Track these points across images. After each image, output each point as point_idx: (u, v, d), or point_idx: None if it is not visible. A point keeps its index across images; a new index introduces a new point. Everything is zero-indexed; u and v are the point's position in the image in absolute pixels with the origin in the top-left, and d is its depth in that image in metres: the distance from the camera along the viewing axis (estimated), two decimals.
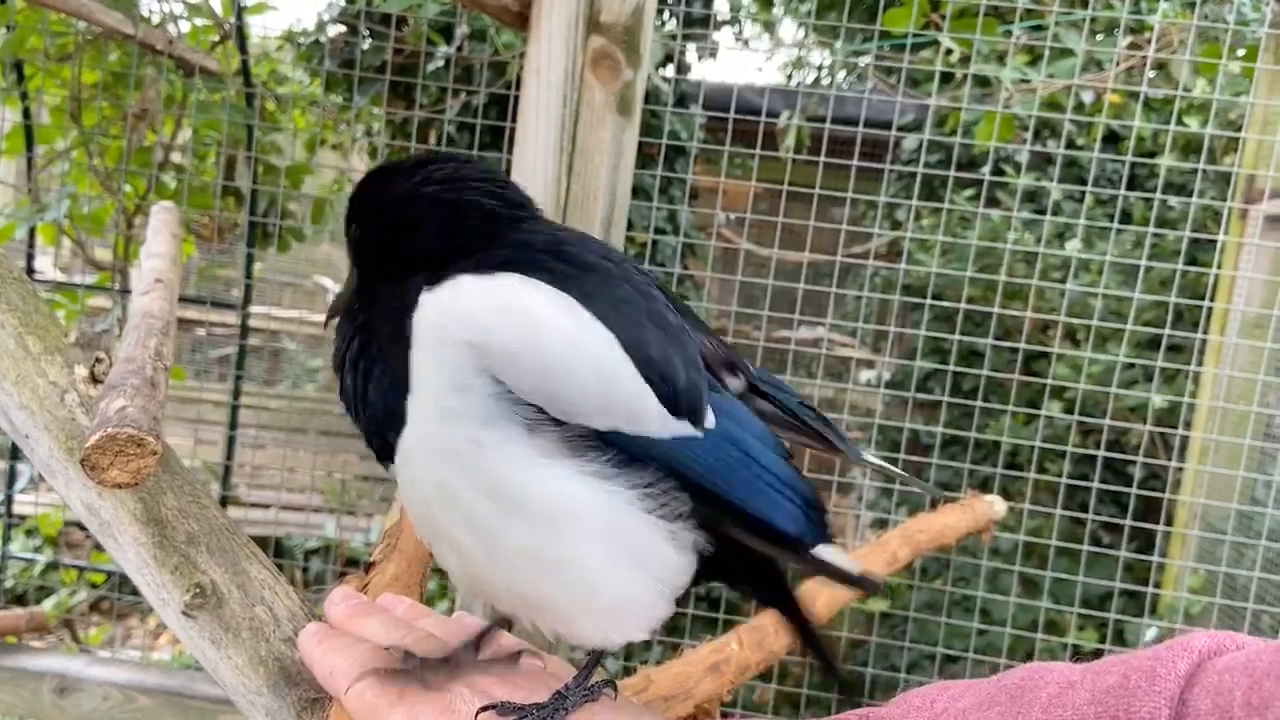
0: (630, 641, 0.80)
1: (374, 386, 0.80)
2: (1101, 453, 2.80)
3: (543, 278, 0.76)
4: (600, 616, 0.77)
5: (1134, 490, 2.78)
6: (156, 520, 0.92)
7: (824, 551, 0.80)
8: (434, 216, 0.82)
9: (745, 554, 0.80)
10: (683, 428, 0.76)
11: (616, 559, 0.74)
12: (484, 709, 0.76)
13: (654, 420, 0.75)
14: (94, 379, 0.98)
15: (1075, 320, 3.06)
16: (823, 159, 2.78)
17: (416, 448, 0.77)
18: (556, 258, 0.78)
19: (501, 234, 0.82)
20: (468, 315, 0.74)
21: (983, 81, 3.37)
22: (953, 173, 2.89)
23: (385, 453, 0.81)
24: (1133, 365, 3.43)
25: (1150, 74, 3.02)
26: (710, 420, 0.77)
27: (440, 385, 0.74)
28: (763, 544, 0.79)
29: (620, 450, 0.74)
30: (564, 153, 1.75)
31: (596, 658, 0.83)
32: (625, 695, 0.86)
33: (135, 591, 3.86)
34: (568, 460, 0.73)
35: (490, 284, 0.76)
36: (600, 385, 0.73)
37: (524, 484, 0.73)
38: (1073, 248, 4.03)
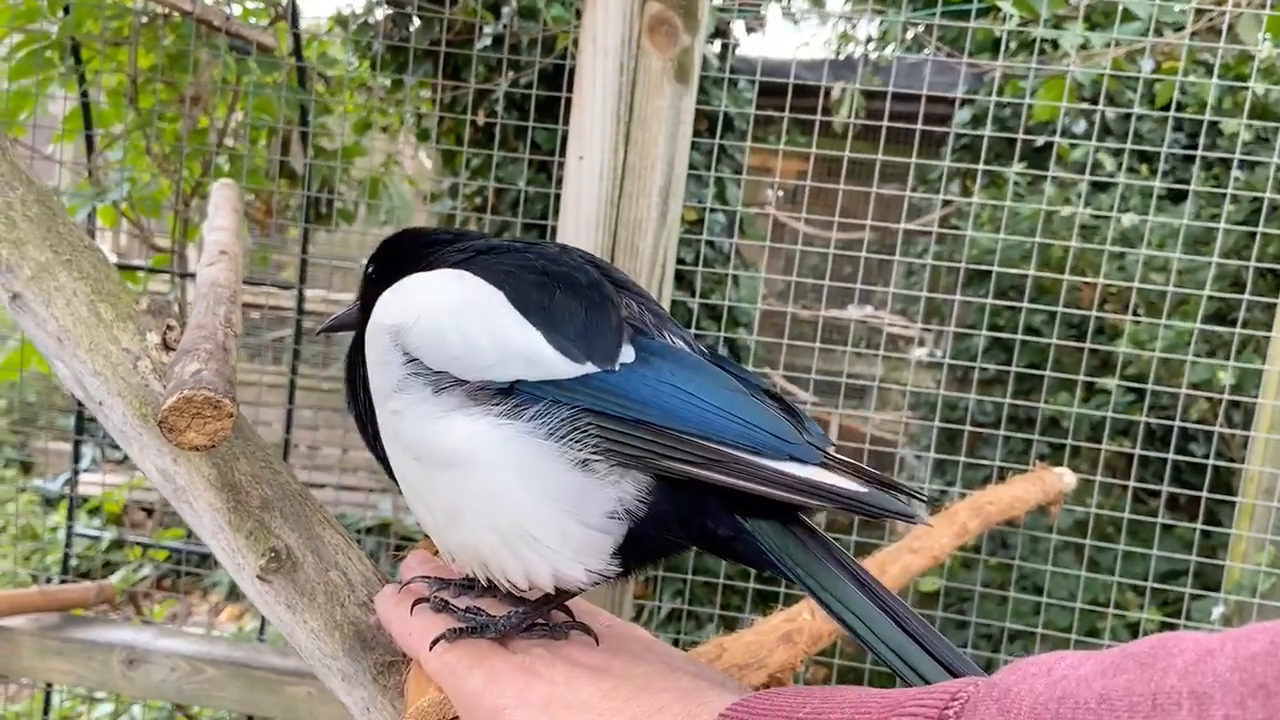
0: (567, 576, 0.80)
1: (362, 405, 0.93)
2: (1177, 422, 2.73)
3: (466, 268, 0.88)
4: (516, 543, 0.80)
5: (1210, 461, 2.71)
6: (231, 485, 0.92)
7: (793, 468, 0.77)
8: (414, 245, 1.00)
9: (692, 496, 0.80)
10: (588, 368, 0.81)
11: (518, 487, 0.79)
12: (418, 601, 0.84)
13: (554, 364, 0.81)
14: (166, 346, 0.98)
15: (1141, 285, 2.98)
16: (885, 123, 2.72)
17: (383, 440, 0.88)
18: (485, 254, 0.91)
19: (456, 251, 0.95)
20: (388, 306, 0.87)
21: (1038, 50, 3.29)
22: (1019, 137, 2.82)
23: (389, 466, 0.90)
24: (1191, 338, 3.34)
25: (1221, 44, 2.92)
26: (628, 358, 0.82)
27: (374, 370, 0.86)
28: (700, 469, 0.77)
29: (526, 395, 0.80)
30: (621, 122, 1.73)
31: (547, 596, 0.85)
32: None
33: (198, 567, 3.94)
34: (470, 409, 0.80)
35: (413, 279, 0.88)
36: (492, 342, 0.81)
37: (433, 437, 0.81)
38: (1129, 220, 3.94)
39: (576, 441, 0.78)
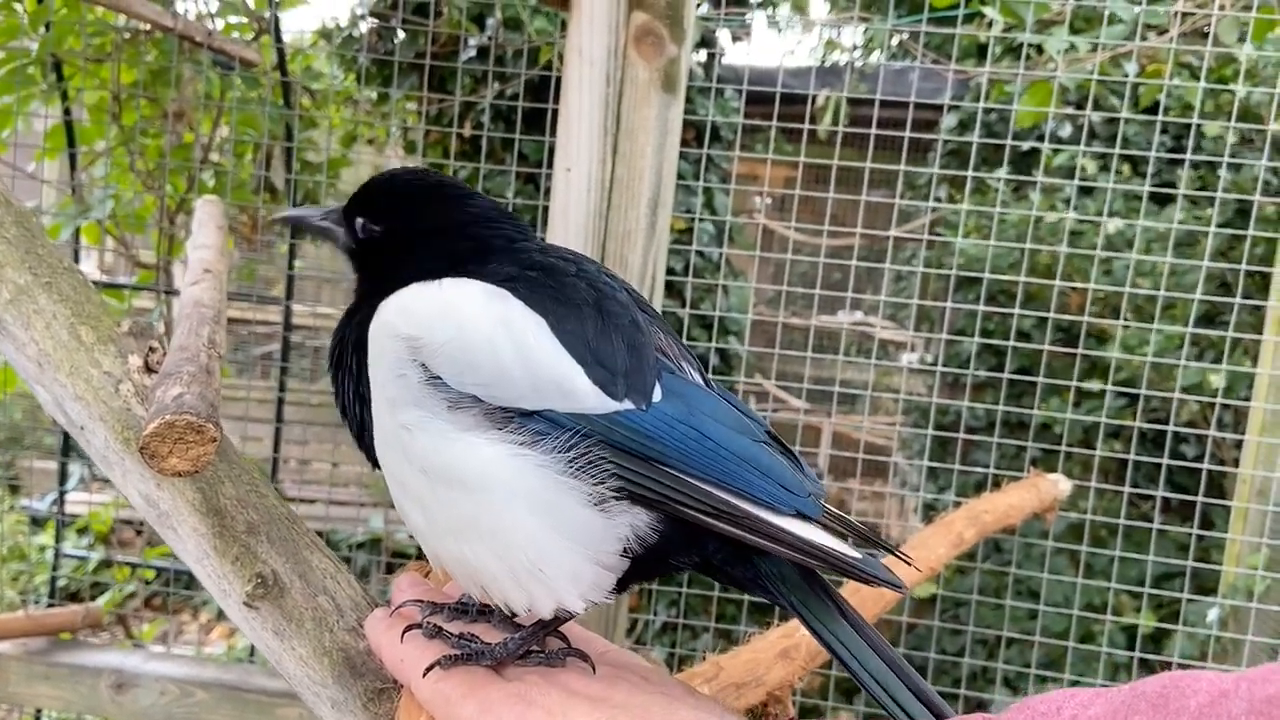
0: (568, 610, 0.80)
1: (349, 394, 0.89)
2: (1170, 426, 2.73)
3: (500, 284, 0.82)
4: (525, 578, 0.79)
5: (1204, 465, 2.70)
6: (215, 510, 0.90)
7: (798, 526, 0.79)
8: (452, 222, 0.91)
9: (699, 533, 0.81)
10: (621, 405, 0.80)
11: (533, 521, 0.77)
12: (410, 626, 0.82)
13: (588, 398, 0.79)
14: (148, 368, 0.96)
15: (1129, 289, 2.98)
16: (872, 130, 2.72)
17: (378, 443, 0.85)
18: (525, 267, 0.86)
19: (494, 252, 0.89)
20: (410, 314, 0.82)
21: (1024, 56, 3.30)
22: (1007, 142, 2.82)
23: (372, 455, 0.88)
24: (1181, 342, 3.35)
25: (1209, 47, 2.93)
26: (656, 397, 0.81)
27: (385, 378, 0.82)
28: (714, 520, 0.78)
29: (548, 423, 0.78)
30: (608, 133, 1.72)
31: (541, 623, 0.83)
32: (687, 680, 0.83)
33: (188, 587, 3.90)
34: (488, 432, 0.78)
35: (437, 287, 0.82)
36: (526, 372, 0.79)
37: (446, 457, 0.78)
38: (1114, 225, 3.94)
39: (594, 478, 0.77)
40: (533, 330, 0.80)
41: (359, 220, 0.94)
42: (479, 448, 0.78)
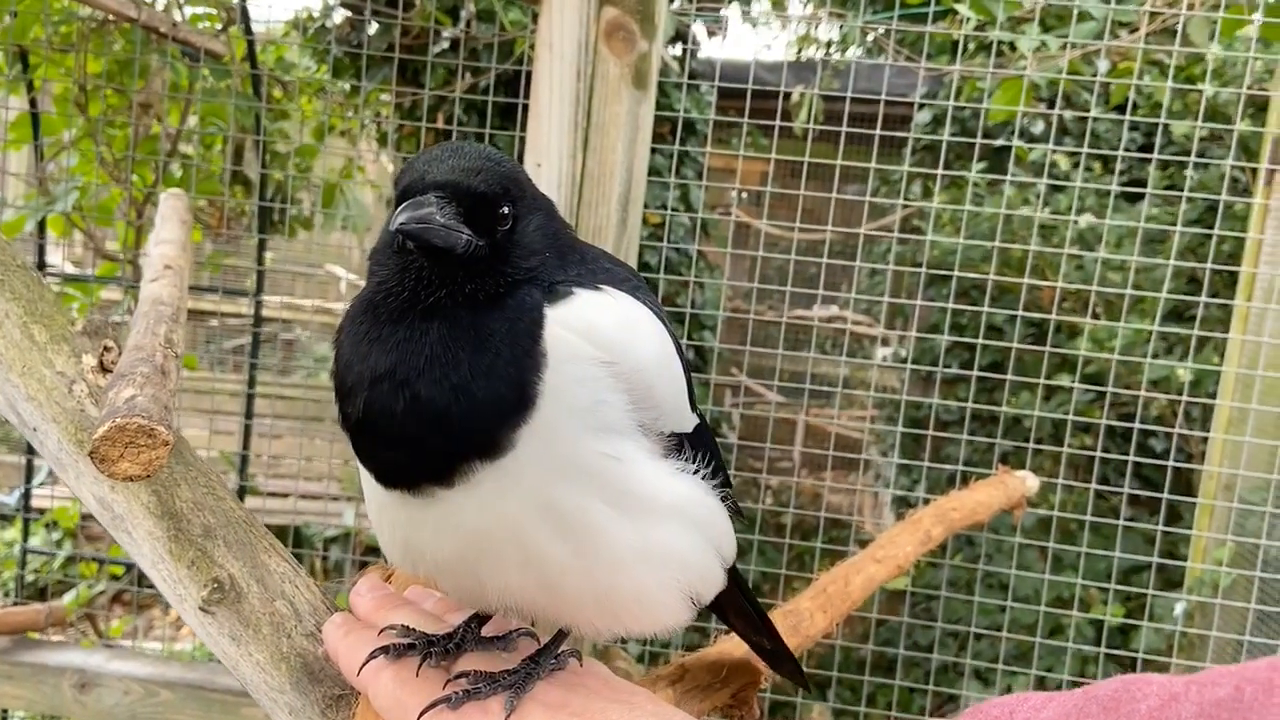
0: (673, 630, 0.84)
1: (467, 404, 0.71)
2: (1136, 424, 2.75)
3: (636, 295, 0.81)
4: (672, 598, 0.81)
5: (1170, 462, 2.72)
6: (171, 513, 0.89)
7: None
8: (550, 215, 0.83)
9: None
10: (695, 418, 0.84)
11: (700, 538, 0.82)
12: (456, 677, 0.76)
13: (688, 419, 0.82)
14: (103, 368, 0.95)
15: (1099, 287, 3.00)
16: (844, 127, 2.72)
17: (527, 466, 0.72)
18: (621, 267, 0.85)
19: (573, 246, 0.84)
20: (603, 336, 0.75)
21: (995, 52, 3.31)
22: (978, 140, 2.83)
23: (441, 475, 0.73)
24: (1150, 337, 3.38)
25: (1177, 46, 2.95)
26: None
27: (579, 403, 0.73)
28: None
29: (680, 441, 0.81)
30: (579, 128, 1.71)
31: (547, 647, 0.83)
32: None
33: None
34: (668, 458, 0.79)
35: (609, 302, 0.77)
36: (679, 395, 0.81)
37: (654, 486, 0.77)
38: (1086, 221, 3.97)
39: (719, 487, 0.84)
40: (677, 360, 0.82)
41: (504, 209, 0.77)
42: (668, 474, 0.79)
